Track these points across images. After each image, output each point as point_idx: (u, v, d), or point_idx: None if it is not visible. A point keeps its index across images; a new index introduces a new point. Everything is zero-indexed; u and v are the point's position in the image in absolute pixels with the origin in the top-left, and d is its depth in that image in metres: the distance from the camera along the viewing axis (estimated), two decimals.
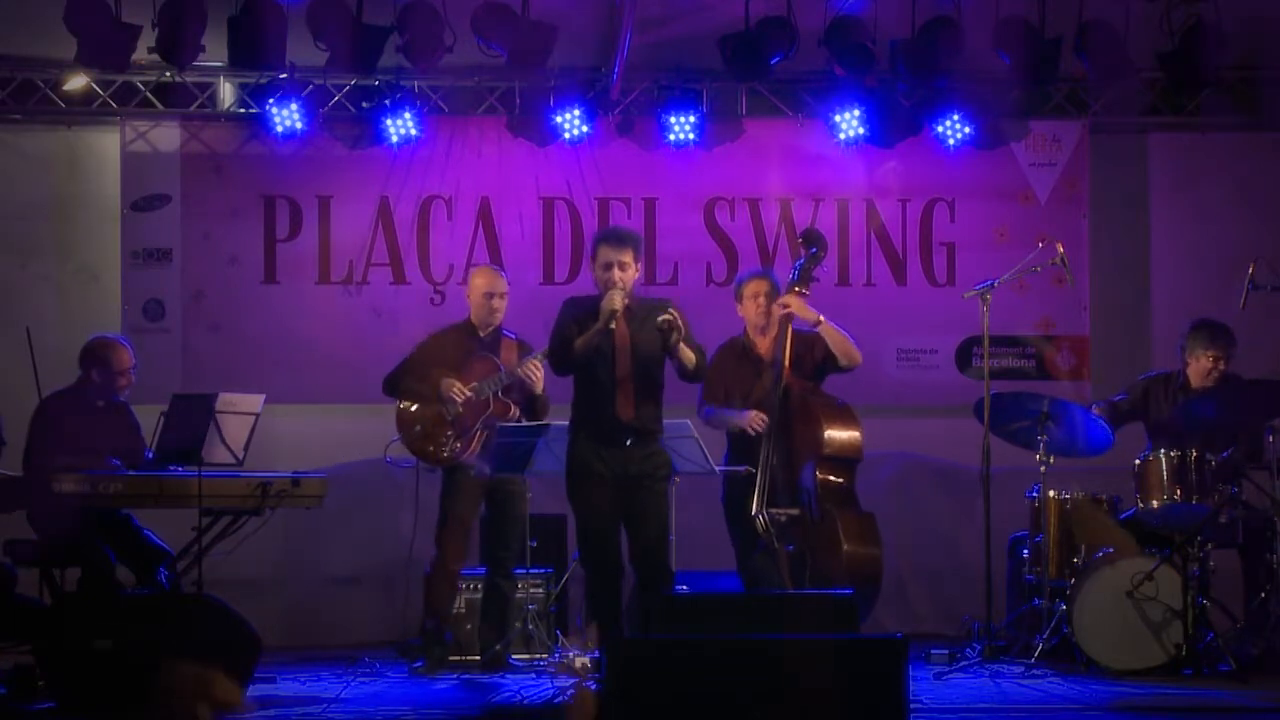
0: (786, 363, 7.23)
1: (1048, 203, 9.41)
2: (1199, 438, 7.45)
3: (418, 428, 7.53)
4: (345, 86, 9.07)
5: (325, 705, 6.53)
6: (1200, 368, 7.79)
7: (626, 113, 9.22)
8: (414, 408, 7.56)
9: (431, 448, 7.49)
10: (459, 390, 7.45)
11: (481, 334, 7.65)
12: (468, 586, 7.79)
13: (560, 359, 6.69)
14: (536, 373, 7.39)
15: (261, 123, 9.03)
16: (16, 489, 7.10)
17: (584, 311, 6.66)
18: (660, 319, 6.47)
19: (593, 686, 6.37)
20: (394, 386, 7.66)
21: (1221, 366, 7.77)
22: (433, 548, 7.58)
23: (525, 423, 7.46)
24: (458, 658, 7.60)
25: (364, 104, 9.07)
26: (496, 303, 7.65)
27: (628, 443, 6.57)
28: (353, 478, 8.65)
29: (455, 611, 7.74)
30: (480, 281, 7.74)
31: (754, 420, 7.16)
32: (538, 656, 7.70)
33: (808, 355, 7.31)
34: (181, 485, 6.93)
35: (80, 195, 9.31)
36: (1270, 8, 8.54)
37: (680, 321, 6.46)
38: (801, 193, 9.40)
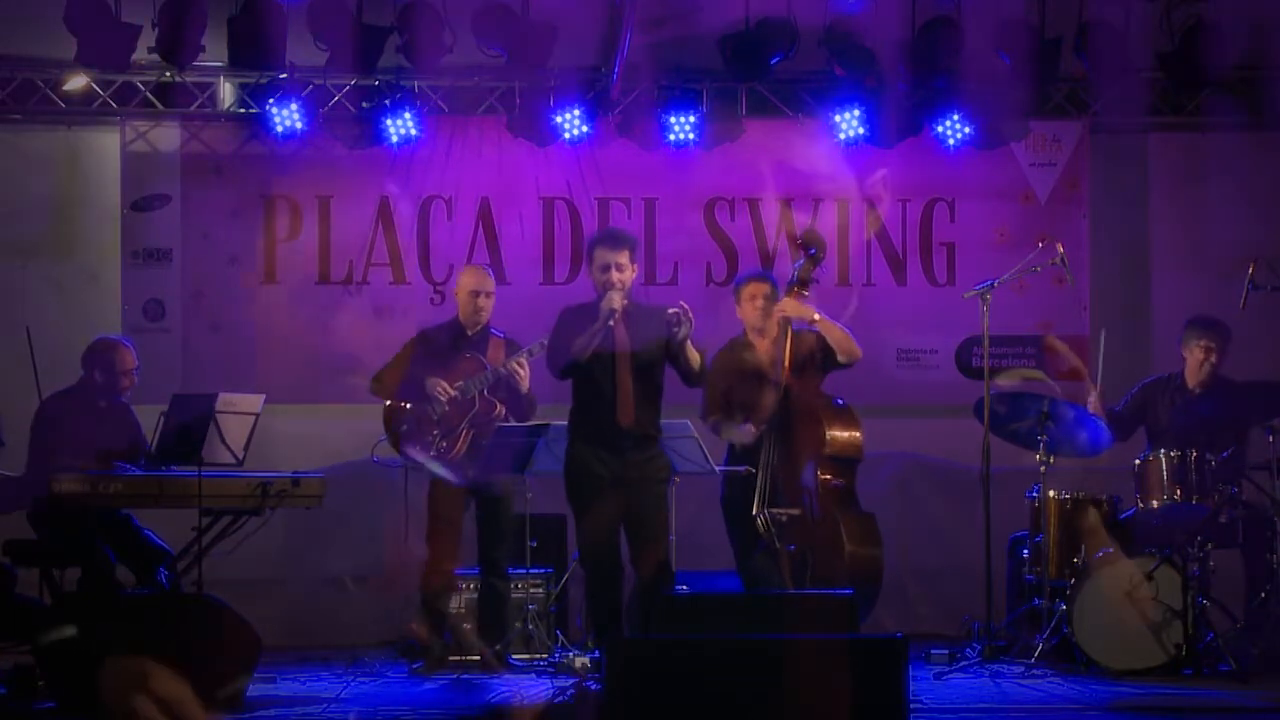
0: (786, 364, 7.23)
1: (1048, 203, 9.41)
2: (1198, 438, 7.46)
3: (404, 427, 7.53)
4: (345, 86, 9.07)
5: (325, 705, 6.54)
6: (1194, 360, 7.82)
7: (626, 113, 9.21)
8: (401, 407, 7.57)
9: (418, 447, 7.49)
10: (444, 389, 7.44)
11: (469, 333, 7.65)
12: (467, 586, 7.79)
13: (560, 363, 6.69)
14: (522, 370, 7.39)
15: (261, 123, 9.02)
16: (16, 489, 7.10)
17: (582, 317, 6.67)
18: (671, 310, 6.46)
19: (592, 686, 6.38)
20: (381, 386, 7.66)
21: (1214, 359, 7.79)
22: (425, 548, 7.57)
23: (513, 421, 7.47)
24: (457, 658, 7.60)
25: (364, 104, 9.06)
26: (483, 301, 7.65)
27: (627, 447, 6.57)
28: (353, 478, 8.64)
29: (454, 611, 7.74)
30: (467, 280, 7.74)
31: (748, 433, 7.16)
32: (538, 656, 7.70)
33: (807, 355, 7.30)
34: (181, 485, 6.93)
35: (80, 195, 9.31)
36: (1270, 7, 8.55)
37: (690, 316, 6.46)
38: (801, 193, 9.39)
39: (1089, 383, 7.87)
